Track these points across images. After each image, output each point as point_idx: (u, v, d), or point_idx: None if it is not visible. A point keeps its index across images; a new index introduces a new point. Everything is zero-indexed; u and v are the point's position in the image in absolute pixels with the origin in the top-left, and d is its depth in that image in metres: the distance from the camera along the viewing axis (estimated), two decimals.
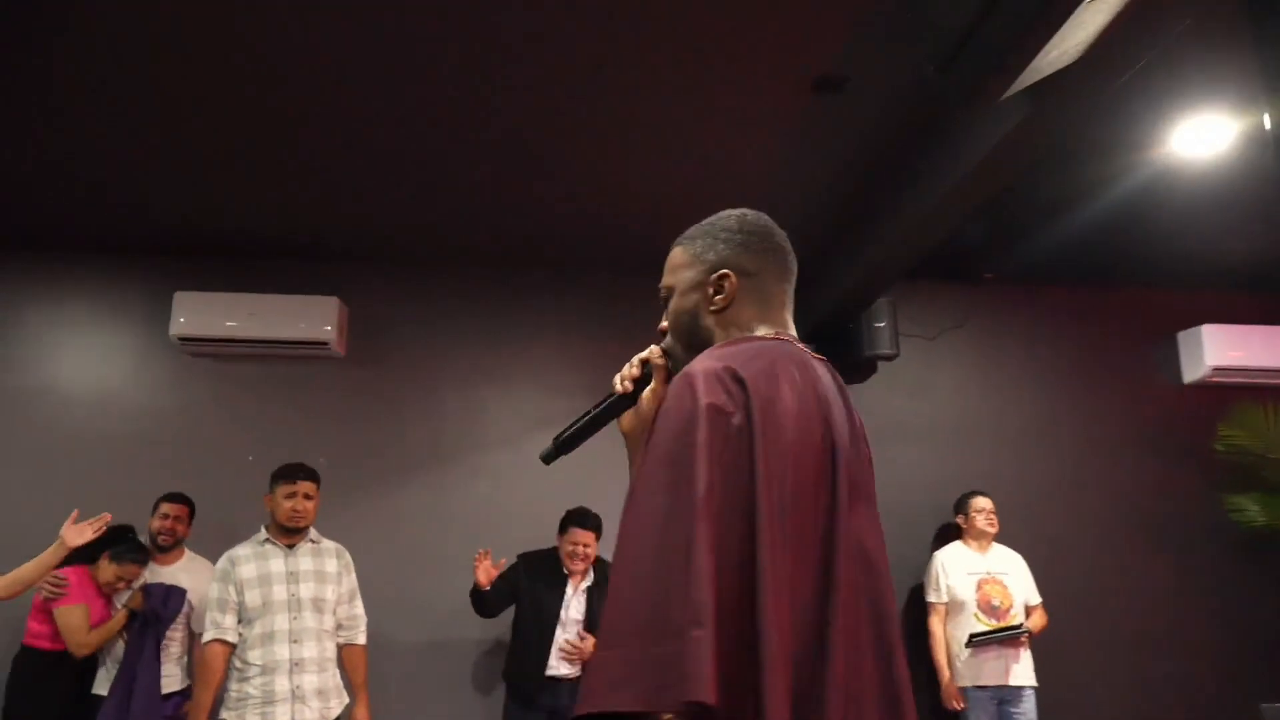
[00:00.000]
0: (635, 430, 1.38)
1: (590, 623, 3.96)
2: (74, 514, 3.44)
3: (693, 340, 1.36)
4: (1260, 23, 1.85)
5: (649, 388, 1.38)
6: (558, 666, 3.93)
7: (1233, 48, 2.86)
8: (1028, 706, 4.19)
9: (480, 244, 4.72)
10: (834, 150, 3.67)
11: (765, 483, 1.09)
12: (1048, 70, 2.24)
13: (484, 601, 4.00)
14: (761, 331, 1.36)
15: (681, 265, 1.40)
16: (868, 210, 4.08)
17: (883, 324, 4.71)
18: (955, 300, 5.11)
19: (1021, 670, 4.21)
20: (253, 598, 3.38)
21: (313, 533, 3.59)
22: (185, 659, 3.93)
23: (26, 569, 3.38)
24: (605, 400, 1.41)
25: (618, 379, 1.40)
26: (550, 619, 3.96)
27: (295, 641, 3.38)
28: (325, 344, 4.58)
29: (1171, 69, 2.93)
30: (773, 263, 1.42)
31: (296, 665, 3.37)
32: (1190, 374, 5.08)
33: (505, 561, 4.02)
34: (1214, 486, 4.88)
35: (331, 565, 3.57)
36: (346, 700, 3.57)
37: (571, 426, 1.41)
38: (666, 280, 1.42)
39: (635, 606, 1.04)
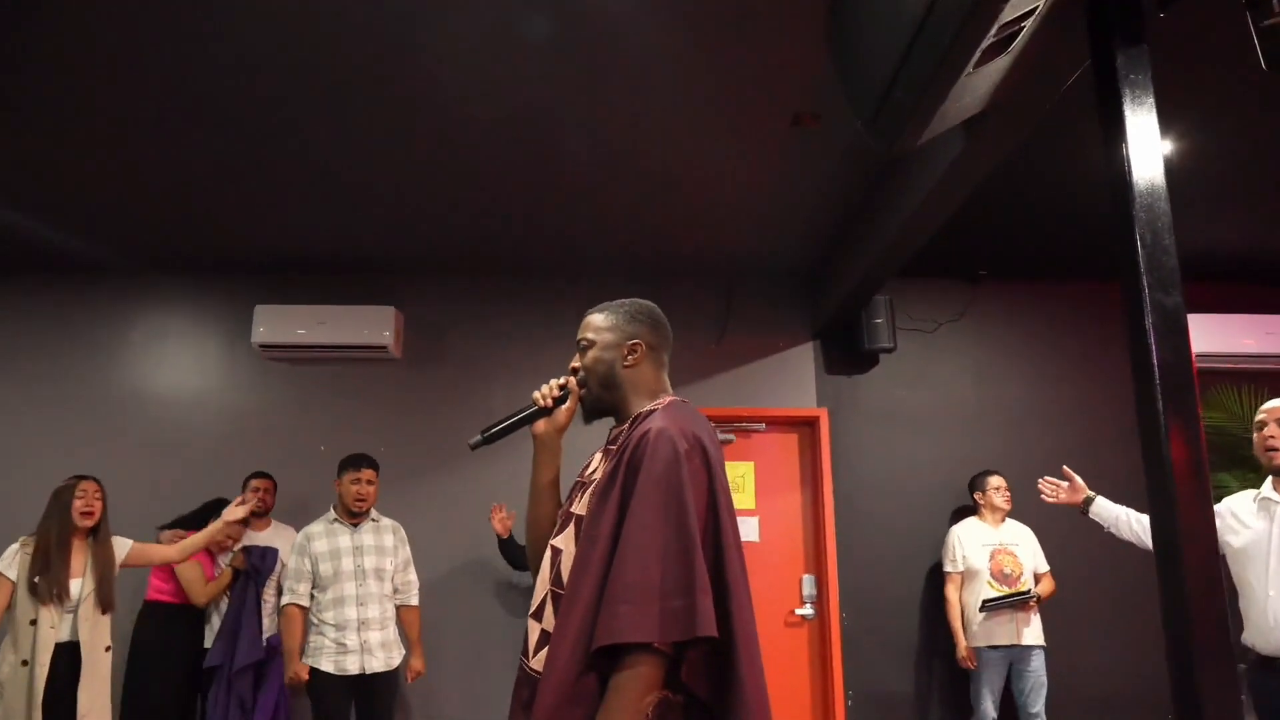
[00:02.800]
0: (546, 435, 1.94)
1: None
2: (238, 499, 4.19)
3: (605, 382, 1.91)
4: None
5: (565, 405, 1.94)
6: None
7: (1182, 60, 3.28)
8: (1037, 664, 4.62)
9: (519, 257, 5.27)
10: (823, 171, 4.13)
11: (725, 505, 1.69)
12: (955, 121, 2.71)
13: (508, 548, 4.67)
14: (663, 389, 1.93)
15: (604, 328, 1.94)
16: (856, 222, 4.55)
17: (880, 320, 5.15)
18: (952, 296, 5.53)
19: (1031, 631, 4.63)
20: (325, 569, 4.04)
21: (373, 512, 4.25)
22: (275, 615, 4.60)
23: (196, 539, 4.09)
24: (527, 409, 1.93)
25: (539, 395, 1.94)
26: None
27: (362, 605, 4.04)
28: (384, 348, 5.19)
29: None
30: (666, 341, 1.98)
31: (363, 624, 4.02)
32: None
33: (514, 513, 4.70)
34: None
35: (389, 540, 4.22)
36: (404, 652, 4.22)
37: (497, 425, 1.90)
38: (588, 335, 1.95)
39: (645, 580, 1.54)
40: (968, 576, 4.77)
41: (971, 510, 5.02)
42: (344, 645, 3.98)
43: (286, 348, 5.21)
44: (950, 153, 3.24)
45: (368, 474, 4.17)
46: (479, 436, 1.90)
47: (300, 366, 5.36)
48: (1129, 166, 2.27)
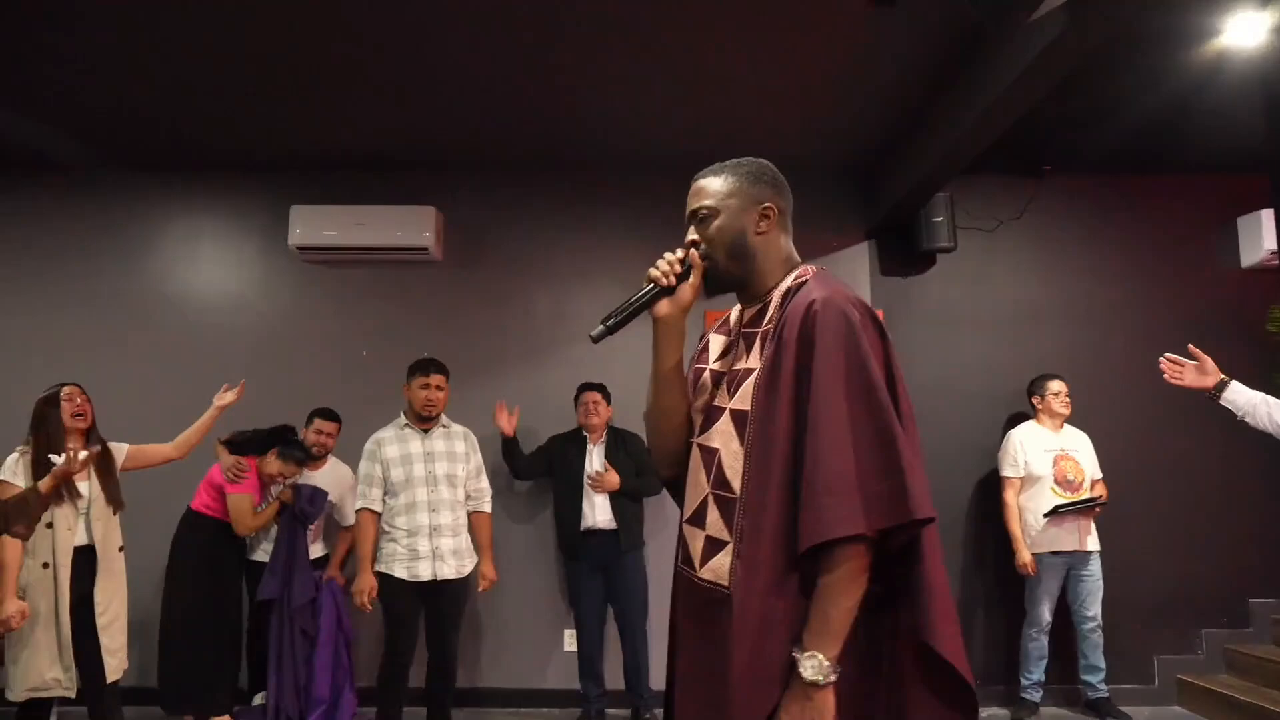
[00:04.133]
0: (671, 316, 1.72)
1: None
2: (225, 386, 4.19)
3: (735, 252, 1.71)
4: None
5: (688, 282, 1.72)
6: (592, 517, 4.50)
7: None
8: (1095, 568, 4.61)
9: (563, 153, 5.04)
10: (891, 59, 3.87)
11: (900, 376, 1.54)
12: None
13: (513, 453, 4.64)
14: (794, 258, 1.76)
15: (726, 194, 1.73)
16: (924, 114, 4.29)
17: (940, 218, 4.93)
18: (1014, 193, 5.26)
19: (1091, 538, 4.60)
20: (397, 474, 3.98)
21: (444, 418, 4.16)
22: (322, 532, 4.57)
23: (191, 432, 4.11)
24: (648, 291, 1.71)
25: (658, 273, 1.70)
26: (576, 477, 4.55)
27: (434, 510, 3.99)
28: (425, 249, 5.03)
29: None
30: (790, 204, 1.78)
31: (435, 530, 3.98)
32: (1249, 258, 5.18)
33: (519, 408, 4.70)
34: (1269, 368, 4.99)
35: (460, 446, 4.15)
36: (476, 559, 4.19)
37: (618, 313, 1.70)
38: (707, 202, 1.73)
39: (843, 467, 1.44)
40: (1028, 482, 4.68)
41: (1025, 416, 4.89)
42: (416, 551, 3.95)
43: (324, 250, 5.06)
44: (1047, 35, 2.98)
45: (437, 379, 4.08)
46: (601, 327, 1.70)
47: (339, 269, 5.22)
48: None
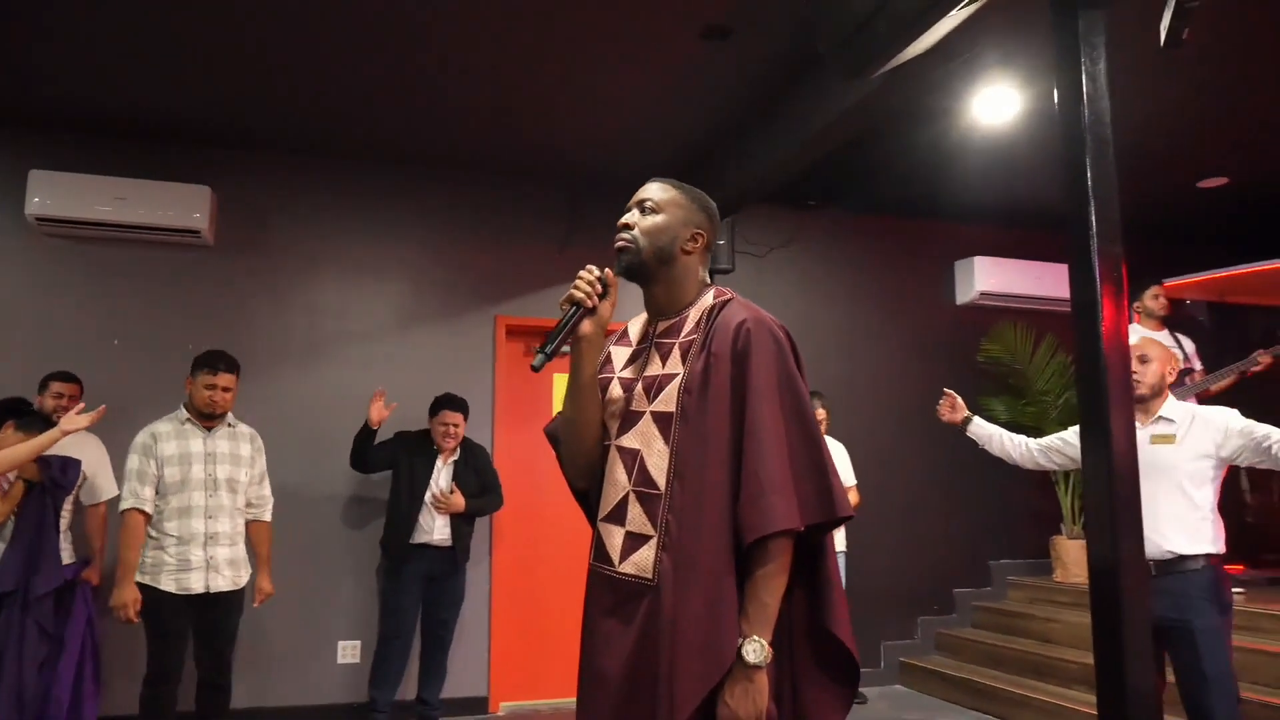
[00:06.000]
0: (594, 334, 1.82)
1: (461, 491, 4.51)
2: (80, 405, 3.61)
3: (661, 251, 1.83)
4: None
5: (607, 299, 1.81)
6: (430, 532, 4.43)
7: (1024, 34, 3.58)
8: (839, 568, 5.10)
9: (355, 139, 4.83)
10: (713, 91, 4.13)
11: (806, 386, 1.75)
12: (907, 58, 2.83)
13: (367, 444, 4.46)
14: (706, 282, 1.92)
15: (675, 204, 1.86)
16: (734, 146, 4.61)
17: (722, 241, 5.29)
18: (784, 223, 5.78)
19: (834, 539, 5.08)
20: (172, 474, 3.61)
21: (229, 417, 3.82)
22: (70, 534, 4.03)
23: (23, 448, 3.41)
24: (574, 312, 1.79)
25: (581, 295, 1.78)
26: (420, 489, 4.45)
27: (211, 517, 3.66)
28: (196, 232, 4.62)
29: (976, 51, 3.60)
30: (716, 240, 1.97)
31: (211, 538, 3.66)
32: (962, 296, 6.07)
33: (395, 405, 4.51)
34: (976, 391, 5.79)
35: (245, 449, 3.83)
36: (252, 570, 3.88)
37: (553, 339, 1.77)
38: (658, 199, 1.85)
39: (780, 468, 1.62)
40: None
41: None
42: (187, 561, 3.60)
43: (72, 223, 4.50)
44: (860, 91, 3.36)
45: (225, 378, 3.72)
46: (541, 355, 1.74)
47: (89, 246, 4.64)
48: (1085, 125, 2.47)
